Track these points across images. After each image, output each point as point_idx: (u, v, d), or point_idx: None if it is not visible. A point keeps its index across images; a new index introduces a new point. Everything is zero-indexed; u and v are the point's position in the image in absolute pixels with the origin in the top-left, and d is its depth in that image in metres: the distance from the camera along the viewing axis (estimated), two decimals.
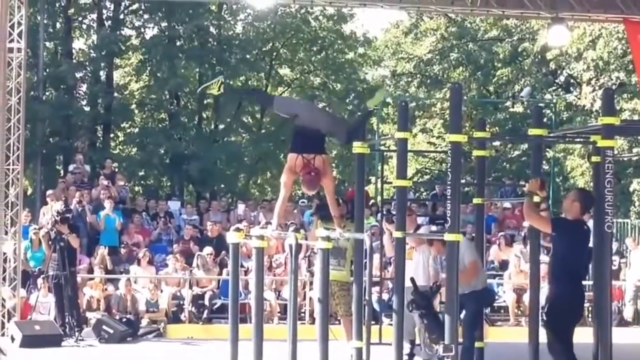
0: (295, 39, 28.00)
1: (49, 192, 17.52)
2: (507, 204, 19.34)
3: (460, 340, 8.99)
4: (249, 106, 28.02)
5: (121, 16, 25.68)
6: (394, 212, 9.97)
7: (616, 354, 8.28)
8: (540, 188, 8.33)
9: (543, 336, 8.21)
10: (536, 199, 8.36)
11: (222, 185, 26.54)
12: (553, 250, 8.26)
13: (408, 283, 9.62)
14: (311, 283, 15.00)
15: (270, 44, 27.65)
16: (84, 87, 25.99)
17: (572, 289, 7.97)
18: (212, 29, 26.17)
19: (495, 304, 15.73)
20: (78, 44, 26.60)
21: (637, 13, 14.58)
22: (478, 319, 10.13)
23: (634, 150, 13.13)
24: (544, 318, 8.22)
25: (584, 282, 8.31)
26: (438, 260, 10.19)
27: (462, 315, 9.91)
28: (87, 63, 25.60)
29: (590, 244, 8.19)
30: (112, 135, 26.59)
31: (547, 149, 22.43)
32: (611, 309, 8.84)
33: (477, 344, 10.11)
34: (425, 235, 10.68)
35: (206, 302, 15.65)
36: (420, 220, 13.08)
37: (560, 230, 8.04)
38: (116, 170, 21.22)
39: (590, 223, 8.46)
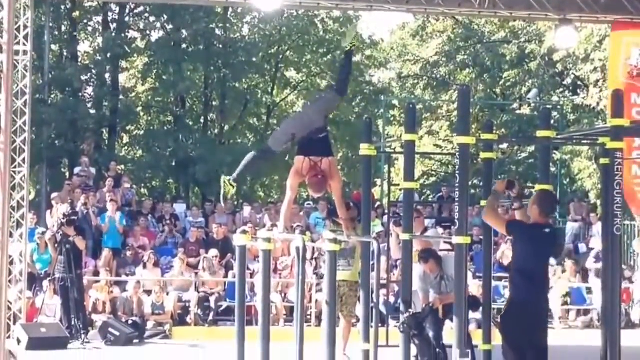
0: (301, 41, 27.97)
1: (54, 195, 17.50)
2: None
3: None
4: (254, 108, 28.02)
5: (126, 19, 25.67)
6: (401, 215, 9.93)
7: (624, 357, 8.22)
8: (508, 187, 8.09)
9: (552, 337, 8.08)
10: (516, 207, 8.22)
11: None
12: (513, 254, 8.09)
13: (414, 287, 9.57)
14: (318, 285, 14.97)
15: (277, 47, 27.61)
16: (89, 90, 25.99)
17: (527, 296, 7.59)
18: (217, 32, 26.15)
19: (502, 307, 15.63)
20: (83, 46, 26.62)
21: None
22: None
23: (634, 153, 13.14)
24: (499, 321, 7.96)
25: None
26: (429, 280, 9.92)
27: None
28: (92, 66, 25.59)
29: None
30: (117, 138, 26.59)
31: (555, 151, 22.39)
32: (620, 311, 8.75)
33: (484, 347, 10.05)
34: (432, 238, 10.62)
35: (212, 305, 15.62)
36: (426, 222, 13.01)
37: (514, 232, 7.81)
38: (122, 172, 21.20)
39: (599, 225, 8.38)
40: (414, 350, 9.55)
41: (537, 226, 7.71)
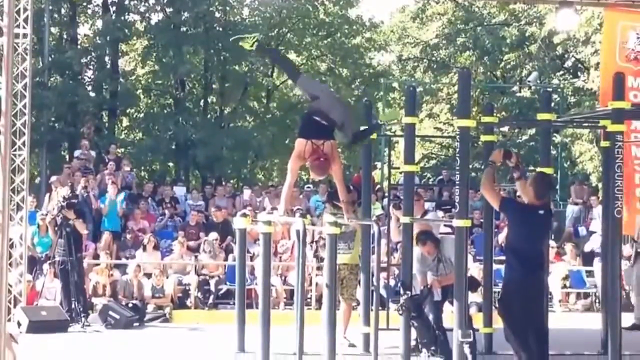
0: (301, 24, 27.89)
1: (53, 178, 17.49)
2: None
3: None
4: (254, 91, 27.97)
5: (126, 2, 25.57)
6: (401, 198, 9.93)
7: (625, 340, 8.25)
8: (505, 157, 7.98)
9: (552, 320, 8.08)
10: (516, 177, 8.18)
11: (229, 171, 26.50)
12: (506, 234, 8.05)
13: (414, 270, 9.58)
14: (318, 269, 14.98)
15: (277, 30, 27.53)
16: (89, 73, 25.95)
17: (521, 276, 7.58)
18: (217, 14, 26.06)
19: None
20: (83, 29, 26.55)
21: None
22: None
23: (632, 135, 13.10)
24: (498, 304, 7.97)
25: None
26: (426, 262, 9.87)
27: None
28: (92, 49, 25.53)
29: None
30: (117, 121, 26.55)
31: (555, 134, 22.36)
32: (620, 294, 8.77)
33: (485, 330, 10.08)
34: (433, 221, 10.62)
35: (212, 288, 15.64)
36: (426, 205, 13.01)
37: (507, 209, 7.78)
38: (121, 155, 21.18)
39: (599, 209, 8.38)
40: (414, 333, 9.57)
41: (532, 207, 7.67)
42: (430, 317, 9.52)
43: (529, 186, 7.75)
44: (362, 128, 9.36)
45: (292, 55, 28.88)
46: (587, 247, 17.00)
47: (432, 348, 9.42)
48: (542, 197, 7.70)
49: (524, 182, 7.96)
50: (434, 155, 31.82)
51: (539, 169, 9.29)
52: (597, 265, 16.52)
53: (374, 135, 10.27)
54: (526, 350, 7.56)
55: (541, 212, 7.67)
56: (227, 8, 26.50)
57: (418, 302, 9.34)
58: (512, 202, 7.89)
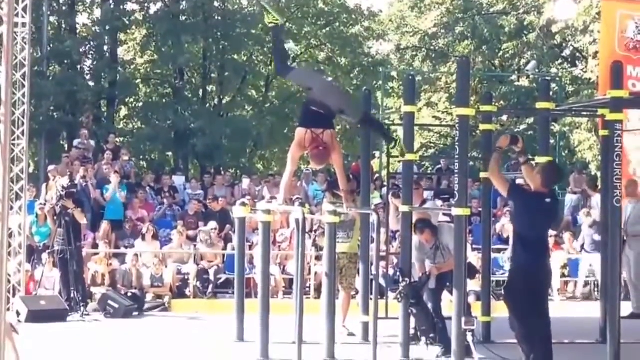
0: (300, 13, 27.85)
1: (51, 167, 17.47)
2: (520, 181, 19.27)
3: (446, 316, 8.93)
4: (253, 80, 27.96)
5: None
6: (400, 187, 9.93)
7: (624, 329, 8.27)
8: (512, 142, 7.98)
9: (551, 309, 8.09)
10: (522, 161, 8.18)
11: (228, 160, 26.52)
12: (513, 221, 8.07)
13: (413, 258, 9.59)
14: (317, 258, 15.00)
15: None
16: (88, 63, 25.92)
17: (528, 262, 7.63)
18: (216, 3, 26.03)
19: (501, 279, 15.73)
20: (82, 18, 26.52)
21: None
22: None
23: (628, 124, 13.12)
24: (503, 292, 8.03)
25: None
26: (425, 249, 9.86)
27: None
28: (91, 38, 25.50)
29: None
30: (116, 110, 26.54)
31: (554, 123, 22.36)
32: (620, 283, 8.79)
33: (484, 318, 10.10)
34: (432, 209, 10.63)
35: (211, 277, 15.65)
36: (425, 194, 13.02)
37: (515, 196, 7.79)
38: (120, 145, 21.17)
39: (598, 197, 8.39)
40: (413, 322, 9.59)
41: (539, 195, 7.70)
42: (430, 304, 9.54)
43: (537, 174, 7.77)
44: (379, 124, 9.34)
45: (290, 45, 28.90)
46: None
47: (431, 336, 9.44)
48: (549, 186, 7.75)
49: (530, 168, 7.99)
50: (432, 145, 31.82)
51: (537, 158, 9.29)
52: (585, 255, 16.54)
53: None
54: (530, 339, 7.61)
55: (548, 200, 7.70)
56: None
57: (417, 289, 9.36)
58: (520, 189, 7.93)
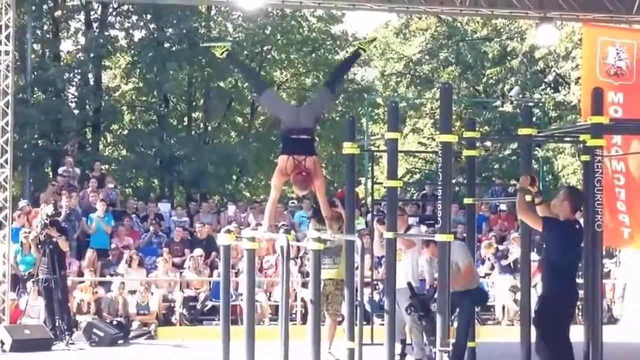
0: (285, 40, 27.96)
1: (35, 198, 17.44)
2: (502, 207, 19.40)
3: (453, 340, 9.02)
4: (238, 106, 28.02)
5: (109, 18, 25.60)
6: (384, 212, 9.97)
7: (606, 353, 8.29)
8: (531, 184, 8.29)
9: (533, 333, 8.17)
10: (528, 197, 8.35)
11: (213, 187, 26.51)
12: (545, 250, 8.27)
13: (400, 284, 9.64)
14: (303, 285, 15.00)
15: (261, 46, 27.56)
16: (72, 90, 25.91)
17: (562, 289, 7.93)
18: (201, 31, 26.12)
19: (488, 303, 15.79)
20: (66, 46, 26.54)
21: (624, 13, 14.63)
22: (472, 317, 10.19)
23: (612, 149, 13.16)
24: (534, 317, 8.23)
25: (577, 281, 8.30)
26: (433, 263, 10.12)
27: (455, 315, 9.97)
28: (75, 65, 25.51)
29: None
30: (101, 137, 26.52)
31: (537, 148, 22.48)
32: (602, 307, 8.84)
33: (469, 344, 10.13)
34: (416, 236, 10.69)
35: (197, 305, 15.62)
36: (410, 220, 13.08)
37: (550, 229, 8.02)
38: (105, 172, 21.13)
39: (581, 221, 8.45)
40: (398, 348, 9.61)
41: (570, 222, 8.02)
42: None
43: (564, 202, 8.03)
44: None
45: (276, 72, 29.05)
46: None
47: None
48: (577, 209, 8.09)
49: (547, 206, 8.25)
50: (417, 170, 31.90)
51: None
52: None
53: (357, 151, 10.32)
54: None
55: (577, 226, 8.08)
56: (211, 24, 26.56)
57: (424, 301, 9.58)
58: (553, 220, 8.14)
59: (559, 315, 7.91)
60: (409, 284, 9.71)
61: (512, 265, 16.74)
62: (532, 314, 8.34)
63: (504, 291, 16.52)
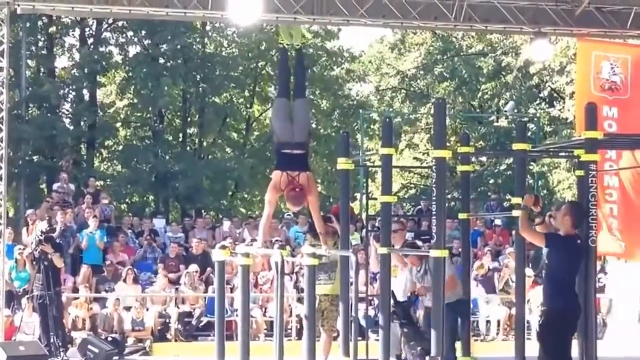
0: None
1: (30, 211, 17.41)
2: (497, 221, 19.42)
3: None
4: (233, 122, 28.02)
5: (103, 34, 25.62)
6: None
7: None
8: (534, 203, 8.38)
9: (530, 350, 8.19)
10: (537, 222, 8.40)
11: (209, 203, 26.48)
12: (547, 265, 8.31)
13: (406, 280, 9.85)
14: (298, 300, 14.97)
15: (255, 62, 27.59)
16: (67, 106, 25.89)
17: (565, 304, 8.00)
18: (195, 47, 26.15)
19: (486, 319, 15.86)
20: (60, 62, 26.53)
21: (619, 28, 14.66)
22: (455, 329, 10.11)
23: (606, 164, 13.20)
24: (538, 331, 8.26)
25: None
26: (413, 272, 10.27)
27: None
28: (70, 81, 25.50)
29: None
30: (96, 153, 26.50)
31: (532, 163, 22.51)
32: (596, 322, 8.84)
33: (464, 359, 10.10)
34: (410, 252, 10.67)
35: (192, 320, 15.58)
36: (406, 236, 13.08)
37: (553, 245, 8.10)
38: (100, 188, 21.09)
39: None
40: None
41: (571, 238, 8.10)
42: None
43: (565, 216, 8.10)
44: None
45: (271, 87, 29.04)
46: None
47: (419, 349, 9.64)
48: (579, 225, 8.13)
49: (546, 226, 8.41)
50: (413, 185, 31.90)
51: (513, 199, 9.39)
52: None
53: (352, 166, 10.32)
54: None
55: (579, 241, 8.13)
56: (206, 40, 26.60)
57: (406, 308, 9.76)
58: (556, 236, 8.24)
59: (562, 330, 7.97)
60: (392, 292, 9.75)
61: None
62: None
63: (495, 306, 16.56)
